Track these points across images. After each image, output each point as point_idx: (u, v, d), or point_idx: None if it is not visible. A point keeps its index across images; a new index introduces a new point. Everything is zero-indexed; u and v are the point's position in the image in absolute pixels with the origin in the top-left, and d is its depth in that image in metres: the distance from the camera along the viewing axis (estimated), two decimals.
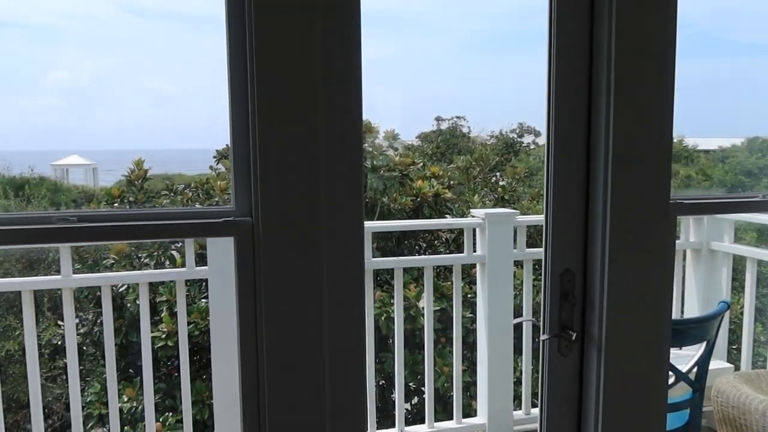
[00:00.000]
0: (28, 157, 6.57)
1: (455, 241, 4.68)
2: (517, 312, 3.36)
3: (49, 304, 4.19)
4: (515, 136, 11.44)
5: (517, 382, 3.45)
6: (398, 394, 2.97)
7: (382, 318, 3.90)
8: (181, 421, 2.76)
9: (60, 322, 3.86)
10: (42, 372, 3.91)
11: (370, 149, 4.75)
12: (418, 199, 4.64)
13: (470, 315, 3.78)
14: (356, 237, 1.47)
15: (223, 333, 2.50)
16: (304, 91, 1.38)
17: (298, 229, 1.42)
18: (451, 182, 5.66)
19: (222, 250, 2.42)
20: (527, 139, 11.39)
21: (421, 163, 5.00)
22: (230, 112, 1.43)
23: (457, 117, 11.58)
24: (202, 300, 3.78)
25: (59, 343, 3.93)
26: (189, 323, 3.68)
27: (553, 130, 1.51)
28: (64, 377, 3.54)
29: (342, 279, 1.46)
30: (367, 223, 3.54)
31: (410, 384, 4.26)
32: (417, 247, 4.88)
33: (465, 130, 11.48)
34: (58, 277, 2.35)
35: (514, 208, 5.48)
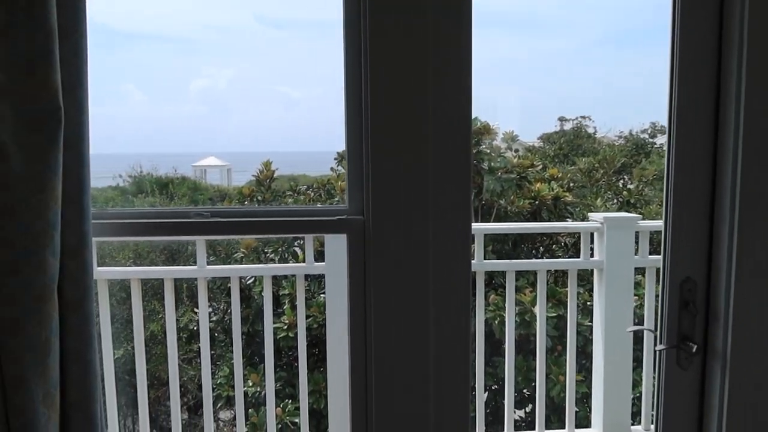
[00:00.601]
0: (172, 159, 7.23)
1: (575, 246, 4.51)
2: (639, 322, 3.18)
3: (187, 292, 4.61)
4: (646, 136, 10.72)
5: (639, 396, 3.26)
6: (508, 400, 2.93)
7: (496, 321, 3.85)
8: (299, 408, 2.92)
9: (196, 309, 4.23)
10: (179, 354, 4.31)
11: (488, 151, 4.70)
12: (537, 202, 4.53)
13: (590, 323, 3.63)
14: (463, 238, 1.49)
15: (338, 327, 2.62)
16: (414, 95, 1.43)
17: (407, 229, 1.46)
18: (572, 185, 5.45)
19: (339, 247, 2.54)
20: (660, 139, 10.64)
21: (541, 165, 4.87)
22: (345, 115, 1.51)
23: (582, 117, 11.09)
24: (321, 295, 3.96)
25: (194, 328, 4.31)
26: (308, 316, 3.87)
27: (675, 127, 1.44)
28: (198, 360, 3.86)
29: (448, 278, 1.49)
30: (480, 225, 3.52)
31: (524, 390, 4.16)
32: (534, 252, 4.76)
33: (590, 130, 10.95)
34: (195, 267, 2.59)
35: (641, 213, 5.17)
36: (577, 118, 11.08)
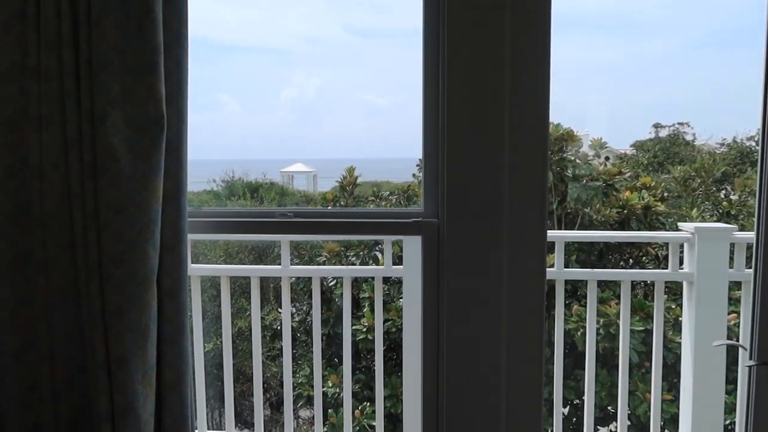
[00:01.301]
0: (262, 165, 7.58)
1: (667, 259, 4.30)
2: (735, 340, 2.99)
3: (273, 292, 4.81)
4: (753, 143, 10.00)
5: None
6: (587, 415, 2.84)
7: (578, 333, 3.75)
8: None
9: (280, 309, 4.41)
10: (264, 351, 4.49)
11: (573, 158, 4.59)
12: (625, 211, 4.37)
13: (681, 340, 3.46)
14: (538, 244, 1.49)
15: (415, 331, 2.65)
16: (490, 100, 1.45)
17: (481, 233, 1.48)
18: (666, 194, 5.20)
19: (417, 251, 2.57)
20: None
21: (629, 173, 4.69)
22: (423, 118, 1.55)
23: (680, 123, 10.52)
24: (400, 299, 4.01)
25: (279, 327, 4.49)
26: (387, 320, 3.93)
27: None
28: (281, 358, 4.02)
29: (522, 284, 1.49)
30: (560, 232, 3.44)
31: (608, 407, 4.01)
32: (622, 263, 4.58)
33: (689, 137, 10.36)
34: (279, 267, 2.72)
35: (743, 225, 4.84)
36: (674, 125, 10.53)
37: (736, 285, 2.99)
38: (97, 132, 1.32)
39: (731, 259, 2.75)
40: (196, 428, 2.02)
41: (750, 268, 2.72)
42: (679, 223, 2.97)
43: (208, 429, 2.65)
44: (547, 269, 2.77)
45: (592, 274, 2.78)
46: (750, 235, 2.74)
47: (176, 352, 1.42)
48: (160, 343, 1.42)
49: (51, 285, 1.40)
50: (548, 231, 3.44)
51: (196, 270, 2.67)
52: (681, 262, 2.86)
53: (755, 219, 1.42)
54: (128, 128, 1.35)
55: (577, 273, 3.00)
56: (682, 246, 2.82)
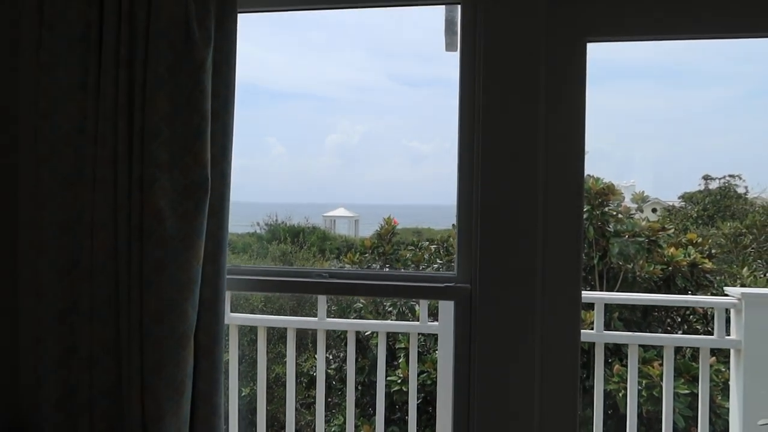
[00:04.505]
0: (305, 209, 7.72)
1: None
2: None
3: (311, 338, 4.83)
4: None
5: None
6: None
7: (620, 395, 3.62)
8: None
9: (316, 356, 4.41)
10: (298, 398, 4.48)
11: (614, 212, 4.52)
12: (670, 268, 4.25)
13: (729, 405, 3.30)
14: (573, 311, 1.47)
15: (449, 387, 2.62)
16: (525, 159, 1.46)
17: (514, 300, 1.48)
18: (715, 251, 5.04)
19: (452, 307, 2.56)
20: None
21: (672, 229, 4.57)
22: (458, 185, 1.58)
23: (731, 176, 10.25)
24: (436, 351, 3.97)
25: (314, 374, 4.48)
26: (422, 372, 3.89)
27: None
28: (316, 406, 4.00)
29: (556, 352, 1.47)
30: (600, 294, 3.35)
31: None
32: (669, 320, 4.43)
33: (741, 190, 10.07)
34: (315, 319, 2.75)
35: None
36: (724, 177, 10.28)
37: None
38: (145, 195, 1.40)
39: None
40: None
41: None
42: (725, 288, 2.87)
43: None
44: (587, 331, 2.72)
45: (632, 338, 2.71)
46: None
47: (210, 410, 1.45)
48: (195, 399, 1.45)
49: (94, 338, 1.46)
50: (588, 291, 3.37)
51: (234, 319, 2.72)
52: (729, 326, 2.76)
53: None
54: (174, 192, 1.42)
55: (617, 336, 2.93)
56: (728, 310, 2.73)
